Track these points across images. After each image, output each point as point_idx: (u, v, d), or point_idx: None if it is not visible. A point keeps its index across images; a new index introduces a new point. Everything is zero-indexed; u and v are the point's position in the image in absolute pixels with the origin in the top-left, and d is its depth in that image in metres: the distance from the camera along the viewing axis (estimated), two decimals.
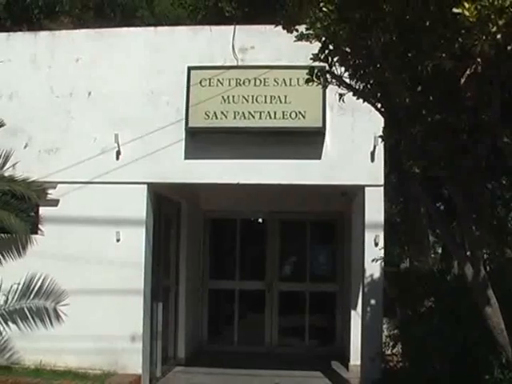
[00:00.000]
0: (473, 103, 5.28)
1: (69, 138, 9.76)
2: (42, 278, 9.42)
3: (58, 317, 9.50)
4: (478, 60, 4.59)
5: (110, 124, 9.62)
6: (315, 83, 5.84)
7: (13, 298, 9.45)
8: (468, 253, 5.95)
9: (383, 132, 6.75)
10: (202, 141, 9.51)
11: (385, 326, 9.59)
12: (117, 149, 9.57)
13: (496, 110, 5.14)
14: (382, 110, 5.96)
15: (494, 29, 4.10)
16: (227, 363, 11.92)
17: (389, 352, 9.41)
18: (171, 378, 11.06)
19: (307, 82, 5.73)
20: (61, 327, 9.51)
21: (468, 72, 4.75)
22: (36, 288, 9.44)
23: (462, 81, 4.80)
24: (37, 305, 9.49)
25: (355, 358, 10.74)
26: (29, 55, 10.00)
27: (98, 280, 9.35)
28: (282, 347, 13.70)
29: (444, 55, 4.71)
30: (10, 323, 9.53)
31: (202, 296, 13.81)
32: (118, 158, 9.61)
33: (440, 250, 14.45)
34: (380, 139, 7.87)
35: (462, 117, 5.49)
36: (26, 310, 9.51)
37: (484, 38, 4.16)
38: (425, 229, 12.08)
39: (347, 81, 5.66)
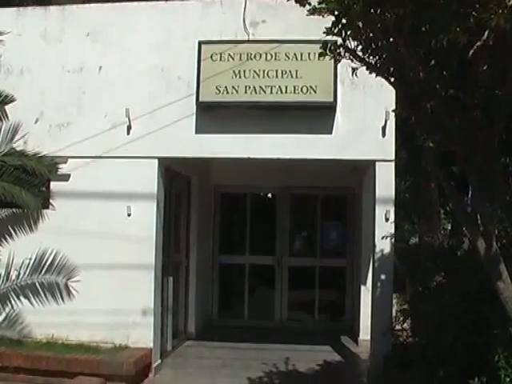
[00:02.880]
0: (486, 79, 5.24)
1: (80, 112, 9.75)
2: (54, 253, 9.46)
3: (69, 293, 9.54)
4: (491, 33, 4.54)
5: (120, 99, 9.59)
6: (328, 57, 5.80)
7: (24, 273, 9.51)
8: (480, 228, 5.93)
9: (396, 106, 6.71)
10: (213, 115, 9.47)
11: (394, 302, 9.61)
12: (128, 123, 9.56)
13: (510, 85, 5.09)
14: (395, 84, 5.91)
15: (511, 2, 4.05)
16: (237, 337, 11.99)
17: (398, 327, 9.44)
18: (182, 352, 11.15)
19: (320, 55, 5.67)
20: (72, 302, 9.57)
21: (478, 43, 4.70)
22: (47, 263, 9.49)
23: (471, 52, 4.75)
24: (48, 280, 9.54)
25: (365, 333, 10.81)
26: (39, 30, 9.94)
27: (109, 254, 9.38)
28: (292, 322, 13.79)
29: (458, 29, 4.67)
30: (21, 298, 9.58)
31: (212, 271, 13.86)
32: (128, 133, 9.59)
33: (449, 227, 14.41)
34: (392, 114, 7.86)
35: (476, 92, 5.44)
36: (37, 284, 9.57)
37: (500, 11, 4.12)
38: (435, 205, 12.04)
39: (360, 54, 5.61)
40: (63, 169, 9.59)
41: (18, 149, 9.50)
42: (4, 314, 9.57)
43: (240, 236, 14.18)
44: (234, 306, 14.39)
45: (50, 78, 9.85)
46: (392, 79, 5.82)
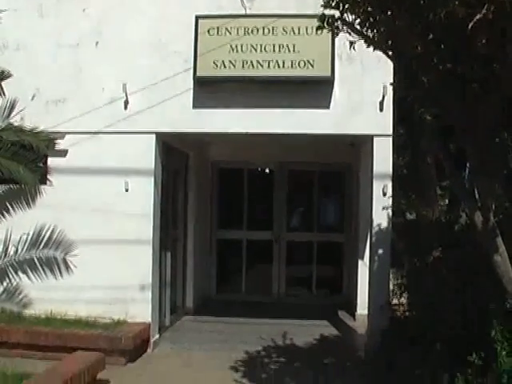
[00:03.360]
0: (485, 52, 5.21)
1: (76, 88, 9.69)
2: (52, 228, 9.46)
3: (67, 267, 9.56)
4: (491, 6, 4.51)
5: (117, 74, 9.54)
6: (325, 31, 5.77)
7: (22, 249, 9.51)
8: (478, 202, 5.94)
9: (394, 80, 6.69)
10: (210, 90, 9.43)
11: (392, 276, 9.62)
12: (125, 98, 9.52)
13: (509, 59, 5.07)
14: (393, 58, 5.89)
15: None
16: (235, 312, 12.05)
17: (396, 302, 9.48)
18: (180, 327, 11.21)
19: (318, 29, 5.65)
20: (71, 277, 9.59)
21: (478, 17, 4.67)
22: (45, 238, 9.49)
23: (470, 25, 4.72)
24: (46, 255, 9.54)
25: (362, 308, 10.86)
26: (35, 5, 9.85)
27: (106, 230, 9.40)
28: (290, 297, 13.87)
29: (457, 2, 4.64)
30: (20, 273, 9.60)
31: (210, 246, 13.89)
32: (126, 108, 9.56)
33: (446, 202, 14.43)
34: (390, 89, 7.83)
35: (475, 66, 5.42)
36: (35, 259, 9.57)
37: None
38: (432, 180, 12.01)
39: (358, 28, 5.58)
40: (60, 144, 9.56)
41: (14, 125, 9.45)
42: (2, 289, 9.58)
43: (238, 211, 14.20)
44: (231, 281, 14.41)
45: (47, 53, 9.77)
46: (390, 53, 5.80)
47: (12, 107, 9.52)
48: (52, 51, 9.77)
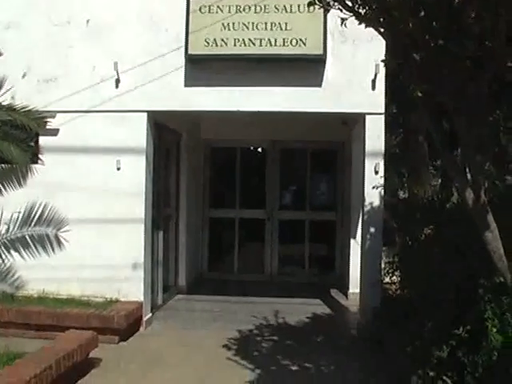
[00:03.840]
0: (476, 29, 5.19)
1: (67, 66, 9.64)
2: (43, 205, 9.42)
3: (59, 243, 9.50)
4: None
5: (109, 52, 9.49)
6: (317, 9, 5.75)
7: (14, 227, 9.46)
8: (469, 179, 5.94)
9: (386, 57, 6.67)
10: (202, 68, 9.39)
11: (383, 255, 9.66)
12: (116, 77, 9.48)
13: (501, 36, 5.06)
14: (385, 35, 5.86)
15: None
16: (228, 291, 12.11)
17: (387, 280, 9.52)
18: (173, 305, 11.23)
19: (309, 5, 5.63)
20: (63, 256, 9.55)
21: None
22: (37, 216, 9.42)
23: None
24: (38, 232, 9.47)
25: (354, 286, 10.93)
26: None
27: (98, 209, 9.40)
28: (282, 275, 13.91)
29: None
30: (12, 251, 9.55)
31: (202, 225, 13.90)
32: (117, 87, 9.51)
33: (439, 181, 14.48)
34: (382, 66, 7.80)
35: (467, 43, 5.40)
36: (27, 237, 9.51)
37: None
38: (424, 158, 12.05)
39: (350, 4, 5.56)
40: (52, 123, 9.50)
41: (5, 103, 9.38)
42: None
43: (230, 190, 14.22)
44: (224, 260, 14.47)
45: (37, 31, 9.70)
46: (382, 30, 5.77)
47: (1, 86, 9.43)
48: (43, 30, 9.70)
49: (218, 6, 9.16)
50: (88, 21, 9.64)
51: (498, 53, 5.20)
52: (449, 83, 5.53)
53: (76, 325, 8.32)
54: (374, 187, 9.15)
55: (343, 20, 5.64)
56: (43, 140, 9.61)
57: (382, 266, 9.35)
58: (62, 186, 9.30)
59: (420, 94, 5.52)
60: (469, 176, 6.00)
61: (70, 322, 8.47)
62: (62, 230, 9.23)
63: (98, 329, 8.21)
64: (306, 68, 9.31)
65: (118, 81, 9.49)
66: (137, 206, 9.46)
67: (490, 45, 5.21)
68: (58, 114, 9.50)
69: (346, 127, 11.99)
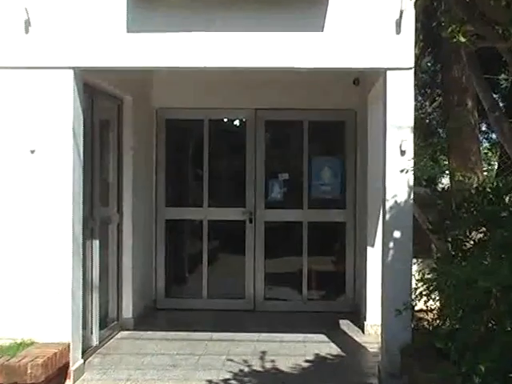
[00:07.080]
0: None
1: None
2: None
3: None
4: None
5: None
6: None
7: None
8: None
9: None
10: (152, 8, 9.26)
11: (414, 269, 9.59)
12: (26, 17, 9.30)
13: None
14: None
15: None
16: (193, 325, 12.12)
17: (421, 306, 9.42)
18: (114, 347, 11.18)
19: None
20: None
21: None
22: None
23: None
24: None
25: (373, 316, 10.93)
26: None
27: (2, 212, 9.26)
28: (270, 301, 13.90)
29: None
30: None
31: (155, 230, 13.83)
32: (27, 32, 9.34)
33: (495, 165, 14.48)
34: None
35: None
36: None
37: None
38: (473, 132, 11.99)
39: None
40: None
41: None
42: None
43: (195, 180, 14.18)
44: (187, 281, 14.56)
45: None
46: None
47: None
48: None
49: None
50: None
51: None
52: (501, 20, 5.42)
53: None
54: (401, 171, 9.04)
55: None
56: None
57: (413, 285, 9.25)
58: None
59: (464, 39, 5.39)
60: None
61: None
62: None
63: None
64: (301, 4, 9.18)
65: (28, 22, 9.32)
66: (59, 204, 9.31)
67: None
68: None
69: (358, 89, 11.97)
